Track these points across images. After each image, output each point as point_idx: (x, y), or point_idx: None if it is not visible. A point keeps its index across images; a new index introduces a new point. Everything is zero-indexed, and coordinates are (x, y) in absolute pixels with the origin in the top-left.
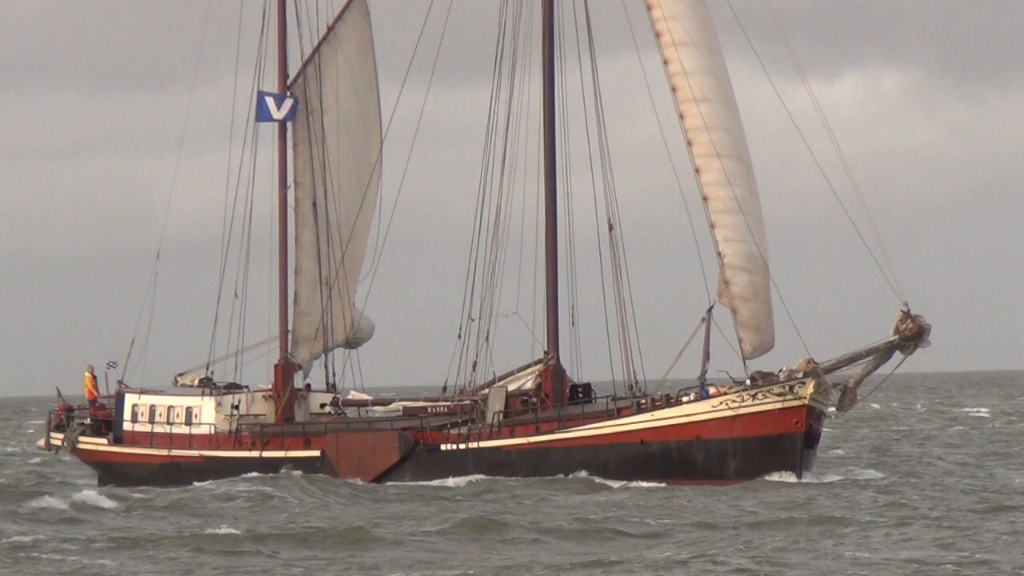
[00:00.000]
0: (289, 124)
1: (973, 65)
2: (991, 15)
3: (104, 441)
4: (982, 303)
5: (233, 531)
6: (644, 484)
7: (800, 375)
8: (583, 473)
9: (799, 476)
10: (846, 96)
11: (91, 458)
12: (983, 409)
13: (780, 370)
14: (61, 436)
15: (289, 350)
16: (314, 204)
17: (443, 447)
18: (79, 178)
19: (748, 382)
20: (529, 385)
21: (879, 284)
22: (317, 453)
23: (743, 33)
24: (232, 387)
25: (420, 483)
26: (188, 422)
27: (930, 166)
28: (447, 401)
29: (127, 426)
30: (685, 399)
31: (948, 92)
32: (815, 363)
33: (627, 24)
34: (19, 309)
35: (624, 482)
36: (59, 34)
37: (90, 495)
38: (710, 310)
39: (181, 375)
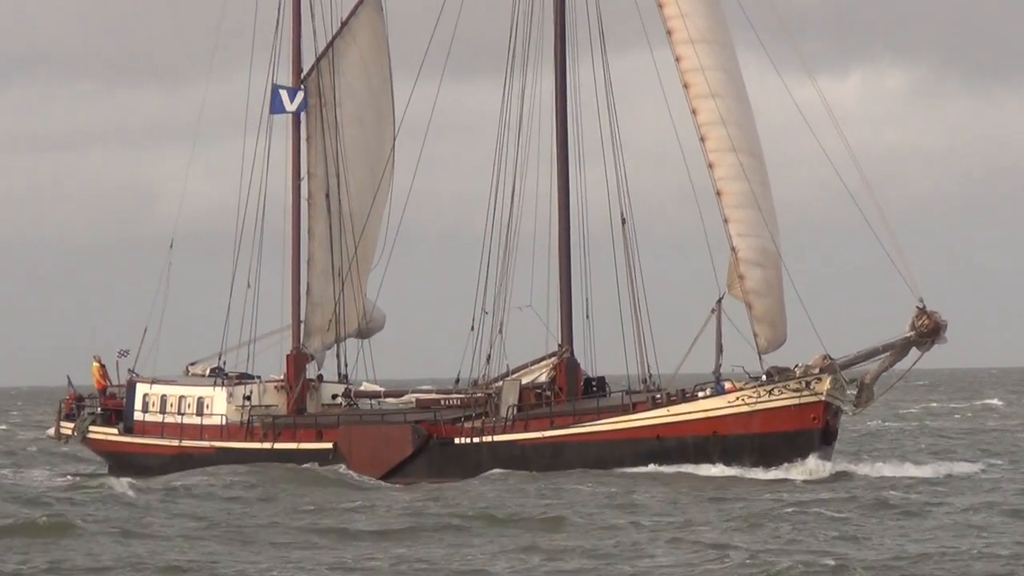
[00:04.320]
0: (303, 117)
1: (980, 62)
2: (999, 12)
3: (115, 431)
4: (991, 299)
5: None
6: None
7: (816, 371)
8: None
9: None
10: (853, 93)
11: (101, 448)
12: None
13: (796, 365)
14: (71, 425)
15: (301, 340)
16: (327, 196)
17: (457, 441)
18: (93, 169)
19: (764, 377)
20: (543, 378)
21: (893, 279)
22: (329, 445)
23: (751, 29)
24: (244, 377)
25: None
26: (200, 412)
27: (937, 163)
28: (460, 394)
29: (138, 416)
30: (701, 394)
31: (955, 89)
32: (831, 359)
33: (639, 20)
34: (31, 298)
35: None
36: (74, 27)
37: None
38: (719, 301)
39: (193, 364)
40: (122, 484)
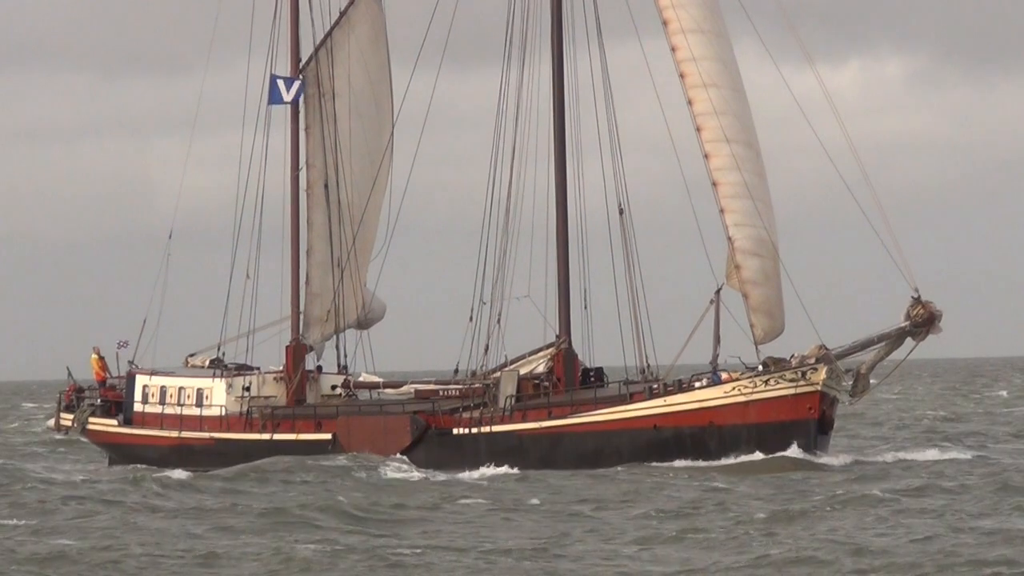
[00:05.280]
0: (302, 107)
1: (980, 50)
2: (999, 1)
3: (114, 422)
4: (988, 289)
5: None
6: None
7: (812, 361)
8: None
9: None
10: (852, 81)
11: (100, 439)
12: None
13: (792, 356)
14: (71, 417)
15: (300, 331)
16: (326, 186)
17: (455, 431)
18: (91, 161)
19: (760, 368)
20: (541, 369)
21: (889, 269)
22: (328, 436)
23: (747, 18)
24: (243, 368)
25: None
26: (199, 404)
27: (936, 151)
28: (459, 384)
29: (137, 407)
30: (698, 384)
31: (955, 77)
32: (827, 349)
33: (637, 11)
34: (30, 291)
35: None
36: (72, 17)
37: None
38: (718, 292)
39: (192, 356)
40: (178, 474)
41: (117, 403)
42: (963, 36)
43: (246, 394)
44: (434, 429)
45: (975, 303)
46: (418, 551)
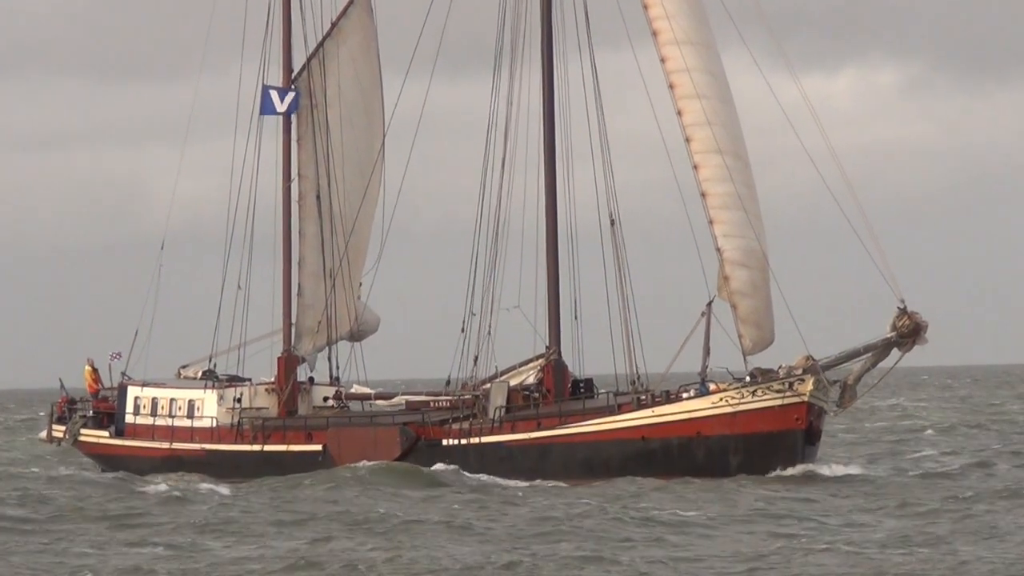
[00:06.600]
0: (293, 117)
1: (974, 58)
2: (992, 9)
3: (106, 434)
4: (981, 297)
5: None
6: None
7: (799, 372)
8: None
9: None
10: (846, 89)
11: (92, 451)
12: None
13: (779, 367)
14: (63, 428)
15: (292, 343)
16: (318, 197)
17: (444, 442)
18: (83, 168)
19: (748, 378)
20: (531, 380)
21: (876, 279)
22: (319, 447)
23: (744, 27)
24: (234, 380)
25: None
26: (190, 415)
27: (929, 159)
28: (449, 396)
29: (129, 419)
30: (685, 395)
31: (949, 86)
32: (814, 360)
33: (627, 20)
34: (22, 300)
35: None
36: (65, 24)
37: None
38: (710, 304)
39: (185, 367)
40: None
41: (109, 414)
42: (957, 44)
43: (237, 405)
44: (423, 440)
45: (965, 311)
46: None
